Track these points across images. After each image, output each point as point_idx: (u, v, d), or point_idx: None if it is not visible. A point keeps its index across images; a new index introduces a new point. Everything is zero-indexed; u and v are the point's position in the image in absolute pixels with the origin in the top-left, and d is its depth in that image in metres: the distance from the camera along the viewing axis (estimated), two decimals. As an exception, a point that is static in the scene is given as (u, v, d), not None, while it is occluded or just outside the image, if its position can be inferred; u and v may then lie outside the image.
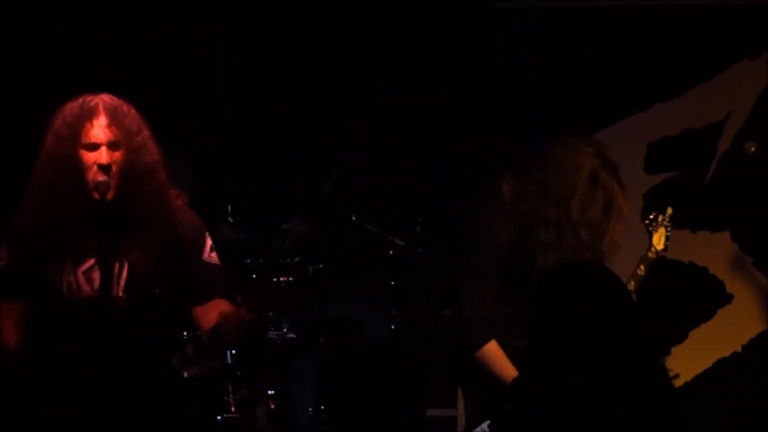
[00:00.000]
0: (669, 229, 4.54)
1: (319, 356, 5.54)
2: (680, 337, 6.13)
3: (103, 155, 3.39)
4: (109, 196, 3.41)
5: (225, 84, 6.55)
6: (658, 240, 4.50)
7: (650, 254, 4.43)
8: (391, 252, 5.80)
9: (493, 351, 3.76)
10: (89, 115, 3.40)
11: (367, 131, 6.36)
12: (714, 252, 6.15)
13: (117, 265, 3.46)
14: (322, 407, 5.48)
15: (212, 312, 3.49)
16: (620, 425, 2.61)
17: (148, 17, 6.24)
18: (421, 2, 6.39)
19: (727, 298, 6.13)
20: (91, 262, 3.47)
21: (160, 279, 3.48)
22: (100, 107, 3.43)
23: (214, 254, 3.59)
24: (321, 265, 5.58)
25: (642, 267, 4.34)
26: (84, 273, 3.47)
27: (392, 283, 5.84)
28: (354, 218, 5.82)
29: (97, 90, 3.51)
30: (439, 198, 6.32)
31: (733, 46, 6.18)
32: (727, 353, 6.13)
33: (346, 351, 5.70)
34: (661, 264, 4.56)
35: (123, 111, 3.45)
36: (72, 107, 3.45)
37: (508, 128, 6.32)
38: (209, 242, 3.58)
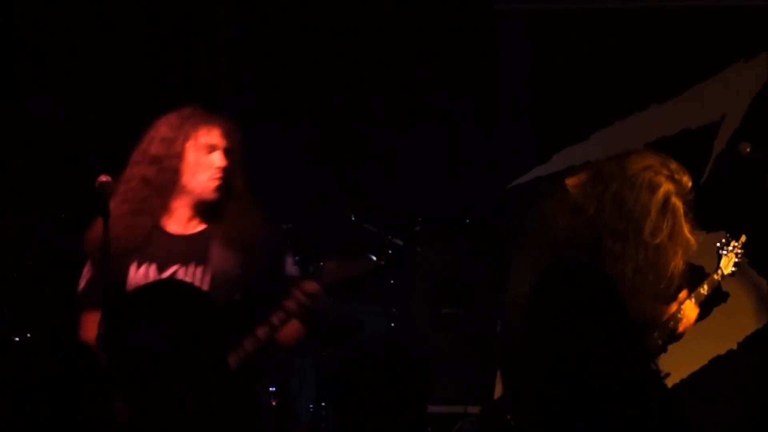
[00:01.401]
0: (739, 255, 4.55)
1: (320, 354, 5.56)
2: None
3: (221, 158, 3.46)
4: (215, 196, 3.46)
5: (225, 84, 6.56)
6: (727, 264, 4.50)
7: (716, 276, 4.43)
8: (390, 251, 5.82)
9: None
10: (205, 119, 3.45)
11: (367, 131, 6.37)
12: (710, 252, 6.16)
13: (200, 270, 3.47)
14: (323, 404, 5.51)
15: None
16: (615, 425, 2.64)
17: (149, 17, 6.25)
18: (420, 2, 6.41)
19: (723, 297, 6.15)
20: (175, 267, 3.48)
21: (242, 286, 3.49)
22: (214, 116, 3.51)
23: (296, 268, 3.64)
24: (320, 264, 5.59)
25: (705, 287, 4.32)
26: None
27: (392, 281, 5.86)
28: (353, 218, 5.83)
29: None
30: (439, 198, 6.34)
31: (730, 47, 6.20)
32: (722, 351, 6.16)
33: (346, 348, 5.71)
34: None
35: (233, 125, 3.51)
36: (175, 115, 3.46)
37: (506, 128, 6.34)
38: (290, 256, 3.63)
